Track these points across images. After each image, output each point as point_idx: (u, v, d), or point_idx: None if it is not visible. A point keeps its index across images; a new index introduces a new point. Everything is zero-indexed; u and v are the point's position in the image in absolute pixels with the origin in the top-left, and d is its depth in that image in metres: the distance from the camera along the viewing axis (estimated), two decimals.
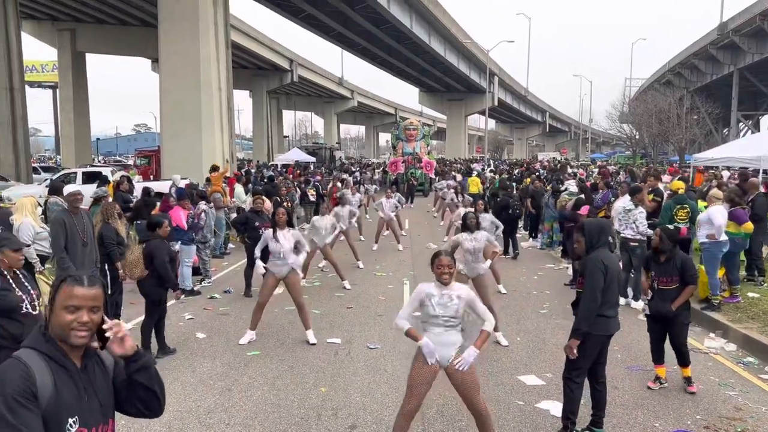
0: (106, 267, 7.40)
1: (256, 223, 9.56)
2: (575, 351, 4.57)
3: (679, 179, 12.94)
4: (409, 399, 4.21)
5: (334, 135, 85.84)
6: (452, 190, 17.38)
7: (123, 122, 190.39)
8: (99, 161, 54.25)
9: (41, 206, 10.34)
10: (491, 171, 33.41)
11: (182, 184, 15.24)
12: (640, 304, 8.79)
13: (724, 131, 54.07)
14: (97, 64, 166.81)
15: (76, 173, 22.48)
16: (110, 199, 10.04)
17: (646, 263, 6.05)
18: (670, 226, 6.91)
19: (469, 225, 7.52)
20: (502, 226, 9.76)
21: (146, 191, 12.42)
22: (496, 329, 7.19)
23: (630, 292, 9.04)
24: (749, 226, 8.61)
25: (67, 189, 7.30)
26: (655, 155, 50.08)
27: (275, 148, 63.85)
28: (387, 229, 14.77)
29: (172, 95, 26.14)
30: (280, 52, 52.86)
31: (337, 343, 7.20)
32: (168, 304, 7.17)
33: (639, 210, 9.02)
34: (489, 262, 7.57)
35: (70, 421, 2.01)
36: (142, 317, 6.90)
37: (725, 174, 18.04)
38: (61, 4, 38.15)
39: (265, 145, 60.39)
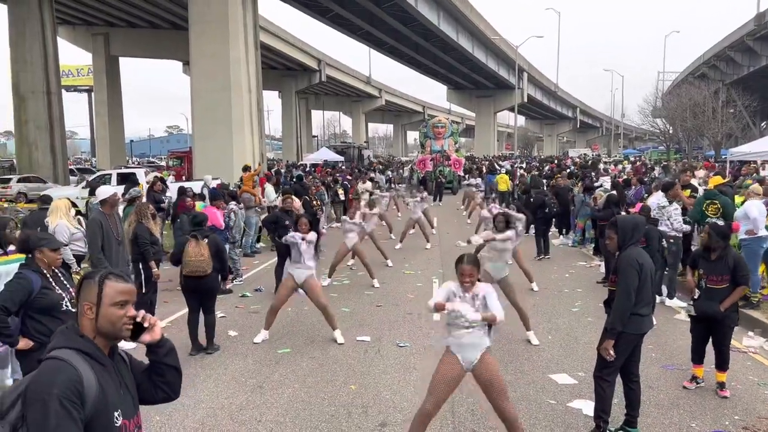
0: (140, 266, 7.54)
1: (287, 222, 9.62)
2: (611, 351, 4.49)
3: (715, 174, 12.63)
4: (427, 398, 4.19)
5: (363, 134, 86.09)
6: (480, 190, 17.29)
7: (155, 124, 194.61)
8: (132, 163, 55.36)
9: (76, 207, 10.61)
10: (519, 167, 33.06)
11: (214, 184, 15.46)
12: (675, 302, 8.62)
13: (762, 124, 52.56)
14: (130, 67, 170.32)
15: (111, 174, 22.97)
16: (144, 200, 10.25)
17: (693, 261, 5.83)
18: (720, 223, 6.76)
19: (496, 225, 7.55)
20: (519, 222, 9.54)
21: (182, 190, 12.63)
22: (527, 328, 7.13)
23: (664, 289, 8.85)
24: None
25: (101, 190, 7.43)
26: (689, 150, 48.91)
27: (304, 148, 64.34)
28: (413, 228, 14.72)
29: (203, 97, 26.54)
30: (308, 52, 53.21)
31: (366, 341, 7.22)
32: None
33: (674, 206, 8.83)
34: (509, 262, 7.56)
35: (115, 414, 2.07)
36: (177, 315, 7.03)
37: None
38: (95, 9, 39.06)
39: (294, 145, 60.90)
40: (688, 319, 5.89)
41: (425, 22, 40.53)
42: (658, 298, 8.03)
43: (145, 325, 2.20)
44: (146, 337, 2.22)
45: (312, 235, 7.25)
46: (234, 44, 26.48)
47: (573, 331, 7.61)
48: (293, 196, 12.95)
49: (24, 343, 4.11)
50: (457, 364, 4.16)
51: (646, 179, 14.76)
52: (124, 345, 2.33)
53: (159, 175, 20.13)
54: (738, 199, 10.10)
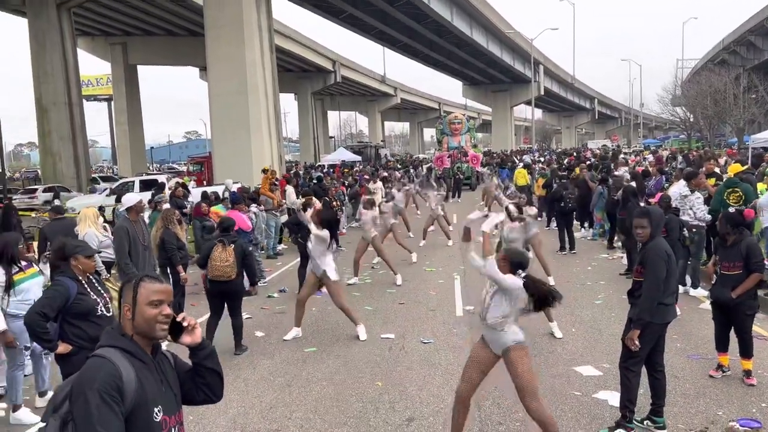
0: (168, 270, 7.71)
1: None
2: (636, 342, 4.52)
3: (736, 162, 12.49)
4: (460, 380, 4.35)
5: (379, 133, 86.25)
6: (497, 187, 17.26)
7: (174, 130, 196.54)
8: (153, 169, 56.09)
9: (102, 215, 10.84)
10: (539, 161, 32.90)
11: (235, 188, 15.68)
12: (699, 292, 8.57)
13: None
14: (147, 75, 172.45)
15: (134, 181, 23.37)
16: (167, 206, 10.45)
17: (715, 248, 5.92)
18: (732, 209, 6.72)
19: (509, 214, 7.67)
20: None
21: (204, 195, 12.85)
22: (550, 319, 7.13)
23: (688, 279, 8.81)
24: None
25: (127, 198, 7.62)
26: (711, 138, 48.19)
27: (321, 149, 64.62)
28: (432, 225, 14.73)
29: (221, 101, 26.85)
30: (322, 54, 53.48)
31: (390, 338, 7.32)
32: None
33: (696, 195, 8.78)
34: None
35: (155, 410, 2.18)
36: (204, 318, 7.16)
37: None
38: (113, 20, 39.70)
39: (312, 147, 61.22)
40: (705, 308, 5.92)
41: (438, 18, 40.49)
42: (681, 288, 8.03)
43: (185, 325, 2.31)
44: (186, 339, 2.32)
45: (323, 232, 7.36)
46: (249, 48, 26.76)
47: (597, 323, 7.62)
48: (313, 198, 13.13)
49: (63, 348, 4.27)
50: (487, 347, 4.27)
51: (666, 169, 14.59)
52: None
53: (180, 180, 20.44)
54: (760, 186, 10.00)
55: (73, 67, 30.63)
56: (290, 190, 16.22)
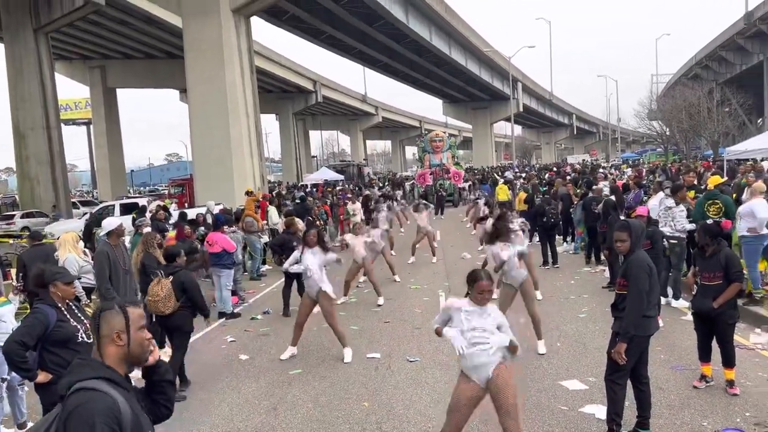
0: None
1: (294, 244, 9.72)
2: (623, 355, 4.54)
3: (713, 174, 12.71)
4: (446, 423, 4.15)
5: (361, 151, 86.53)
6: (482, 202, 17.36)
7: (155, 153, 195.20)
8: (134, 193, 55.60)
9: (82, 240, 10.69)
10: (520, 177, 33.19)
11: (216, 209, 15.58)
12: (681, 303, 8.66)
13: (759, 121, 52.71)
14: (127, 97, 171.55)
15: (114, 205, 23.12)
16: (149, 229, 10.35)
17: (694, 259, 5.98)
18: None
19: (500, 233, 7.45)
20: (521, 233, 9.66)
21: (182, 216, 12.73)
22: (539, 337, 7.15)
23: (669, 291, 8.91)
24: None
25: (107, 222, 7.52)
26: (687, 151, 49.07)
27: (304, 169, 64.65)
28: (419, 242, 14.75)
29: (202, 123, 26.81)
30: (303, 74, 53.72)
31: (377, 357, 7.27)
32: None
33: (680, 208, 8.93)
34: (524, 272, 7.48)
35: None
36: (191, 340, 7.06)
37: (765, 165, 17.62)
38: (91, 43, 39.58)
39: (294, 166, 61.23)
40: (688, 319, 5.98)
41: (417, 38, 40.96)
42: (663, 300, 8.09)
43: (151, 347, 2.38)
44: (151, 359, 2.37)
45: (317, 251, 7.36)
46: (229, 70, 26.81)
47: (581, 337, 7.66)
48: (296, 218, 13.08)
49: (43, 377, 4.18)
50: (474, 383, 4.08)
51: (644, 182, 14.81)
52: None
53: (162, 203, 20.27)
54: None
55: (51, 92, 30.38)
56: (272, 210, 16.16)
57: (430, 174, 33.43)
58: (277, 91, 56.45)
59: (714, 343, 5.70)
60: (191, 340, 8.10)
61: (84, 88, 48.19)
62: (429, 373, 6.57)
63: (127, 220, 13.55)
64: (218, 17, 26.53)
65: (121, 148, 47.11)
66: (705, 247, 5.67)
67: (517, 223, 9.82)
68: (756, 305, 7.87)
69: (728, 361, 5.59)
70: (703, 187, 11.52)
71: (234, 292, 10.66)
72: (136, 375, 2.44)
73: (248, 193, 16.45)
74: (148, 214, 15.54)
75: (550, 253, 12.86)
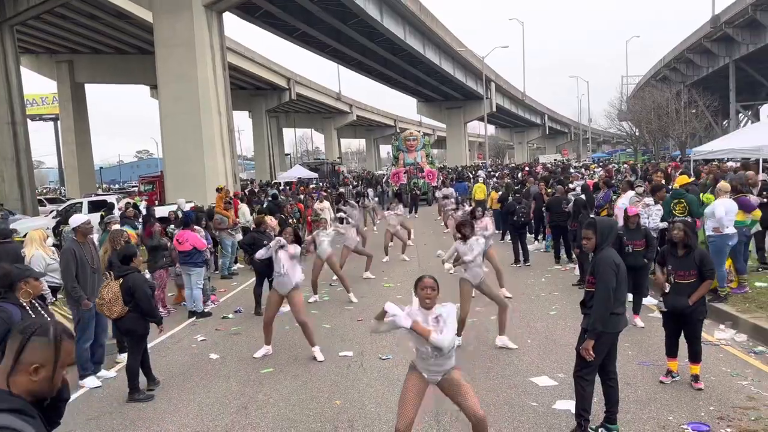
0: None
1: (264, 243, 9.64)
2: (591, 351, 4.60)
3: (681, 173, 12.98)
4: (399, 417, 4.15)
5: (335, 150, 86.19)
6: (452, 201, 17.49)
7: (125, 150, 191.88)
8: (103, 190, 54.60)
9: (51, 237, 10.47)
10: (493, 176, 33.50)
11: (187, 207, 15.37)
12: (648, 300, 8.81)
13: (724, 123, 54.04)
14: (96, 92, 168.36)
15: (82, 203, 22.66)
16: (117, 227, 10.16)
17: (662, 257, 6.00)
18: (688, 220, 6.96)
19: (463, 233, 7.58)
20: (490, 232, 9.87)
21: (149, 212, 12.54)
22: (501, 333, 7.25)
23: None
24: (758, 213, 8.68)
25: (74, 219, 7.36)
26: (656, 151, 50.07)
27: (277, 167, 64.19)
28: (392, 241, 14.79)
29: (173, 120, 26.40)
30: (277, 71, 53.28)
31: (349, 356, 7.26)
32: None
33: (657, 207, 9.13)
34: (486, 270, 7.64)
35: None
36: (154, 342, 6.96)
37: (730, 165, 18.06)
38: (58, 37, 38.66)
39: (267, 164, 60.72)
40: (661, 316, 6.06)
41: (392, 37, 40.93)
42: (630, 297, 8.23)
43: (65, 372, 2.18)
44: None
45: (294, 247, 7.33)
46: (201, 66, 26.44)
47: (551, 333, 7.74)
48: (269, 215, 12.98)
49: None
50: (422, 378, 4.18)
51: (613, 182, 15.05)
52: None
53: (131, 201, 19.93)
54: (709, 197, 10.40)
55: (17, 86, 29.61)
56: (244, 208, 16.00)
57: (405, 173, 33.53)
58: (250, 88, 55.91)
59: (681, 339, 5.82)
60: (160, 338, 8.03)
61: (51, 82, 47.11)
62: (401, 371, 6.55)
63: (95, 218, 13.31)
64: (190, 13, 26.14)
65: (89, 145, 46.13)
66: (685, 245, 5.69)
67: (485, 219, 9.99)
68: (720, 302, 8.06)
69: (695, 357, 5.71)
70: (670, 186, 11.75)
71: (204, 291, 10.54)
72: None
73: (218, 190, 16.25)
74: (117, 212, 15.27)
75: (521, 252, 12.99)
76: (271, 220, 13.77)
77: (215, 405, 5.95)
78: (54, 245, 9.76)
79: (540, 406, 5.45)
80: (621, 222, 9.35)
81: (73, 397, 6.27)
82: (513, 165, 63.14)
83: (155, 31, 26.87)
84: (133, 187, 50.19)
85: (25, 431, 1.88)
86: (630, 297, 7.60)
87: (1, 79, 28.76)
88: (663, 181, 11.73)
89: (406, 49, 45.01)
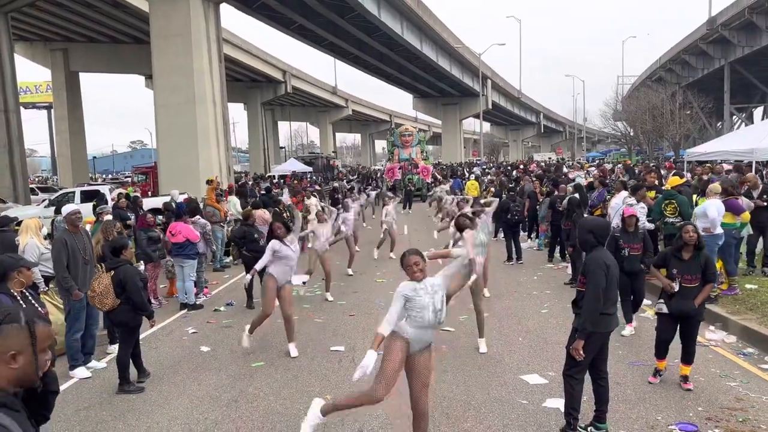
0: None
1: (255, 236, 9.63)
2: (581, 351, 4.62)
3: (674, 175, 13.04)
4: (378, 385, 4.29)
5: (330, 144, 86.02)
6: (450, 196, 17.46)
7: (118, 139, 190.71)
8: (96, 180, 54.27)
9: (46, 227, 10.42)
10: (487, 174, 33.49)
11: (181, 198, 15.30)
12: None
13: (718, 125, 54.26)
14: (90, 81, 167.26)
15: (74, 192, 22.55)
16: (110, 217, 10.11)
17: (663, 261, 5.94)
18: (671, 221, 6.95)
19: (461, 226, 7.51)
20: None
21: (135, 201, 12.51)
22: (481, 335, 7.16)
23: None
24: (746, 216, 8.72)
25: (66, 208, 7.33)
26: (650, 152, 50.20)
27: (272, 160, 63.99)
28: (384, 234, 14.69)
29: (167, 111, 26.28)
30: (273, 64, 53.08)
31: (340, 350, 7.26)
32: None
33: (641, 206, 9.11)
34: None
35: None
36: (147, 333, 6.94)
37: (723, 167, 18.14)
38: (53, 25, 38.34)
39: (262, 157, 60.52)
40: (652, 317, 6.07)
41: (389, 32, 40.84)
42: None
43: (46, 358, 2.10)
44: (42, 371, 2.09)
45: (292, 237, 7.32)
46: (197, 58, 26.31)
47: (543, 332, 7.77)
48: (262, 209, 12.96)
49: None
50: (406, 348, 4.28)
51: (607, 181, 15.09)
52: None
53: (124, 191, 19.84)
54: (702, 201, 10.45)
55: (10, 74, 29.35)
56: (234, 200, 15.91)
57: (399, 168, 33.50)
58: (245, 80, 55.69)
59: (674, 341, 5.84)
60: (152, 330, 8.01)
61: (45, 70, 46.73)
62: None
63: (87, 208, 13.24)
64: (187, 3, 25.98)
65: (83, 134, 45.82)
66: (695, 248, 5.63)
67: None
68: (711, 303, 8.10)
69: (689, 359, 5.75)
70: (663, 187, 11.79)
71: (196, 284, 10.51)
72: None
73: (209, 182, 16.15)
74: (110, 202, 15.21)
75: (514, 249, 13.02)
76: (264, 213, 13.75)
77: (206, 398, 5.94)
78: (47, 236, 9.72)
79: (530, 404, 5.48)
80: (614, 222, 9.41)
81: (62, 387, 6.25)
82: (507, 162, 63.24)
83: (151, 20, 26.72)
84: (126, 177, 49.93)
85: (7, 425, 1.82)
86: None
87: None
88: (656, 182, 11.75)
89: (403, 44, 44.93)
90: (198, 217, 10.83)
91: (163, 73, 26.47)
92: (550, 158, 64.72)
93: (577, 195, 11.26)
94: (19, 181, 29.86)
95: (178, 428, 5.24)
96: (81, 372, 6.67)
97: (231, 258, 14.13)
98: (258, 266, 7.31)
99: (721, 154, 17.21)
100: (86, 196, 20.68)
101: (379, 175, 38.48)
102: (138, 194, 17.90)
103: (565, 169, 25.19)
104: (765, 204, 9.44)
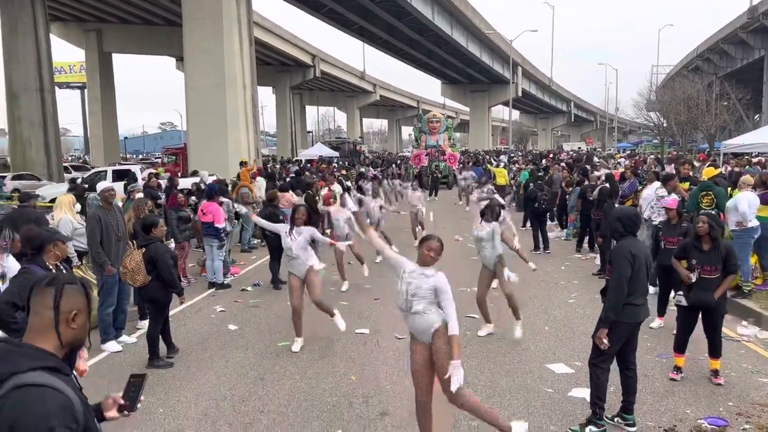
0: None
1: (280, 217, 9.68)
2: (605, 340, 4.57)
3: (709, 166, 12.73)
4: (416, 390, 4.27)
5: (357, 129, 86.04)
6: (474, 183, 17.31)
7: (149, 121, 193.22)
8: (127, 160, 55.17)
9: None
10: (513, 162, 33.17)
11: (210, 180, 15.47)
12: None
13: (755, 117, 52.79)
14: (122, 63, 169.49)
15: (106, 171, 22.97)
16: (141, 195, 10.27)
17: (683, 252, 5.85)
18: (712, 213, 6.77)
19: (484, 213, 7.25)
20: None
21: (171, 182, 12.66)
22: (517, 317, 7.03)
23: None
24: None
25: (100, 185, 7.49)
26: (683, 143, 49.09)
27: (299, 144, 64.34)
28: (418, 225, 14.34)
29: (198, 93, 26.52)
30: (302, 48, 53.14)
31: (365, 333, 7.30)
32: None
33: (672, 197, 8.90)
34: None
35: (97, 424, 1.98)
36: (176, 310, 7.06)
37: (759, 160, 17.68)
38: (88, 6, 38.88)
39: (289, 141, 60.87)
40: (671, 309, 5.96)
41: (419, 16, 40.51)
42: (652, 289, 8.13)
43: None
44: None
45: (307, 230, 6.90)
46: (228, 40, 26.46)
47: (569, 321, 7.70)
48: (290, 191, 13.04)
49: None
50: (422, 344, 4.18)
51: (639, 171, 14.82)
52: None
53: (154, 171, 20.14)
54: (735, 193, 10.20)
55: (46, 54, 29.93)
56: (261, 183, 16.01)
57: (426, 155, 33.35)
58: (275, 64, 55.86)
59: (700, 335, 5.73)
60: (181, 307, 8.15)
61: (79, 51, 47.48)
62: None
63: (119, 187, 13.46)
64: None
65: (115, 114, 46.57)
66: (713, 238, 5.53)
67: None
68: (744, 298, 7.94)
69: (715, 351, 5.64)
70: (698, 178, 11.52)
71: (224, 263, 10.63)
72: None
73: (243, 164, 16.29)
74: (140, 182, 15.45)
75: (541, 239, 12.89)
76: (292, 196, 13.83)
77: (233, 374, 6.03)
78: (79, 212, 9.92)
79: (555, 393, 5.44)
80: (646, 213, 9.24)
81: (94, 360, 6.42)
82: (536, 150, 62.49)
83: (183, 3, 26.91)
84: (156, 158, 50.63)
85: (60, 389, 1.80)
86: (652, 290, 7.41)
87: (31, 46, 29.08)
88: (690, 174, 11.48)
89: (434, 29, 44.56)
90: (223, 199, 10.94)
91: (194, 55, 26.70)
92: (579, 148, 63.70)
93: (608, 185, 11.08)
94: (53, 160, 30.54)
95: (205, 403, 5.33)
96: (112, 346, 6.83)
97: (258, 240, 14.26)
98: (265, 224, 7.57)
99: (759, 147, 16.77)
100: (118, 176, 21.04)
101: (399, 162, 38.25)
102: (171, 175, 18.10)
103: (595, 160, 24.77)
104: None
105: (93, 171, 25.56)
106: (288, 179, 17.56)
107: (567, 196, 14.18)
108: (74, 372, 2.06)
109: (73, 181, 17.81)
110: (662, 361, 6.19)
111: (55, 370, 1.85)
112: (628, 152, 49.97)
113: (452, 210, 21.48)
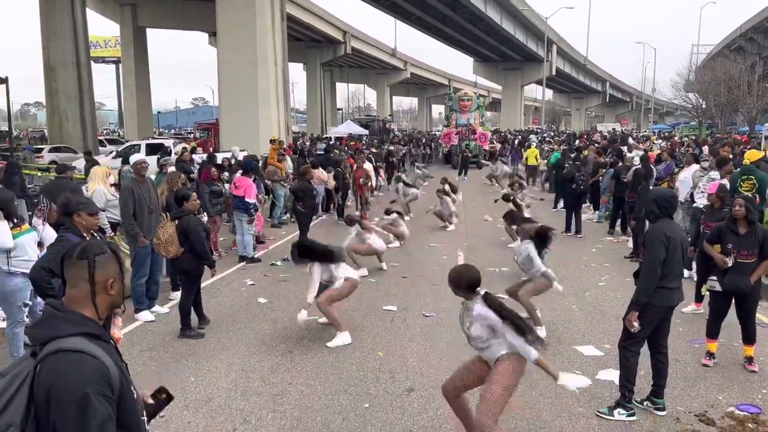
0: None
1: (314, 192, 9.72)
2: (635, 323, 4.50)
3: (751, 148, 12.34)
4: (453, 374, 4.14)
5: (387, 107, 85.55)
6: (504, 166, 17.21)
7: (181, 96, 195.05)
8: (160, 134, 55.90)
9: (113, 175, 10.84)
10: (545, 142, 32.67)
11: (241, 156, 15.59)
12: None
13: None
14: (156, 38, 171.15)
15: (140, 145, 23.33)
16: (173, 169, 10.41)
17: (717, 236, 5.70)
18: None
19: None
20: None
21: (210, 158, 12.77)
22: (538, 324, 6.49)
23: (694, 265, 8.74)
24: None
25: (133, 158, 7.60)
26: (722, 125, 47.67)
27: (329, 121, 64.26)
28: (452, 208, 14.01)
29: (230, 68, 26.64)
30: (333, 24, 52.80)
31: (393, 310, 7.32)
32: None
33: (724, 181, 8.68)
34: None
35: (134, 390, 2.01)
36: (207, 283, 7.17)
37: None
38: None
39: (319, 118, 60.86)
40: (702, 293, 5.83)
41: None
42: (687, 273, 7.96)
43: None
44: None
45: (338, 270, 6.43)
46: (260, 15, 26.45)
47: (599, 304, 7.61)
48: (320, 168, 13.08)
49: None
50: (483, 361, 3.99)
51: (677, 153, 14.45)
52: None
53: (187, 146, 20.38)
54: None
55: (82, 28, 30.36)
56: (289, 160, 16.15)
57: (456, 134, 33.02)
58: (306, 40, 55.67)
59: (733, 321, 5.60)
60: (212, 280, 8.29)
61: (114, 25, 47.99)
62: (444, 330, 6.59)
63: (152, 160, 13.67)
64: None
65: (148, 89, 47.11)
66: (749, 222, 5.39)
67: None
68: None
69: (749, 338, 5.52)
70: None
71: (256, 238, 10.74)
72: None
73: (272, 141, 16.38)
74: (173, 156, 15.65)
75: (574, 221, 12.55)
76: (322, 173, 13.87)
77: (262, 346, 6.13)
78: (113, 184, 10.10)
79: (583, 374, 5.38)
80: (681, 196, 9.02)
81: (127, 329, 6.58)
82: (570, 132, 61.41)
83: None
84: (189, 133, 51.20)
85: (96, 355, 1.83)
86: (687, 274, 7.25)
87: (68, 20, 29.49)
88: (730, 156, 11.14)
89: (467, 5, 43.84)
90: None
91: (226, 29, 26.77)
92: (614, 129, 62.36)
93: (641, 166, 10.84)
94: (89, 133, 31.12)
95: (235, 374, 5.43)
96: (145, 315, 6.98)
97: (288, 215, 14.37)
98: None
99: None
100: (151, 149, 21.35)
101: (425, 141, 37.73)
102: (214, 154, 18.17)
103: (630, 141, 24.22)
104: None
105: (127, 144, 25.99)
106: (316, 156, 17.63)
107: (601, 178, 13.90)
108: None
109: (88, 153, 18.27)
110: (694, 346, 6.08)
111: (96, 336, 1.89)
112: (665, 134, 48.70)
113: (481, 190, 21.31)
